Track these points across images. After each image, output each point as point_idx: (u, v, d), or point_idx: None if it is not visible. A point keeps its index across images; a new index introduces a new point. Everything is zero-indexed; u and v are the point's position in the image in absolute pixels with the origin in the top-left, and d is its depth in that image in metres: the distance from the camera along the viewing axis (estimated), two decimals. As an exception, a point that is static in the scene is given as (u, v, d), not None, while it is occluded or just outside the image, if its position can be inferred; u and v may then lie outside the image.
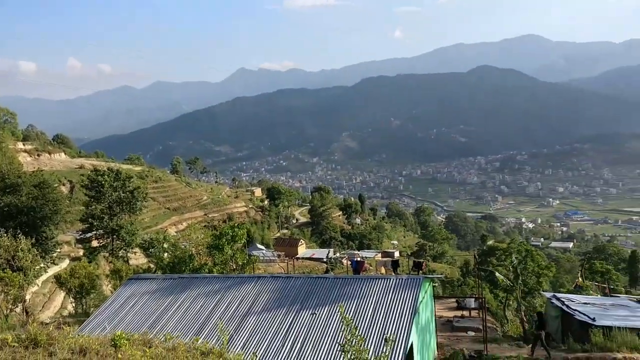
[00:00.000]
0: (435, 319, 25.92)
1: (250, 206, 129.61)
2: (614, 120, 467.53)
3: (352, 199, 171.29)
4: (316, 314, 18.98)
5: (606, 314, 26.86)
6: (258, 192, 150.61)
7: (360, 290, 20.21)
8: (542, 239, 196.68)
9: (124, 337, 8.44)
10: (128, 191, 62.33)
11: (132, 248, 61.18)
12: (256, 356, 12.28)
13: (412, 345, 18.62)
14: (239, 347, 17.31)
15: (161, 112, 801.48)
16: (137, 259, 63.05)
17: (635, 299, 32.87)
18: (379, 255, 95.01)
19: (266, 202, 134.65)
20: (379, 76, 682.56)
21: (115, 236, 59.67)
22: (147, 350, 8.44)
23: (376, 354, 14.96)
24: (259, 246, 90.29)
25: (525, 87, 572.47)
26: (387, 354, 10.32)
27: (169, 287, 22.42)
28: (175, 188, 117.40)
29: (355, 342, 9.76)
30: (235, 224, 35.09)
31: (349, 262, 54.49)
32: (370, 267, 72.64)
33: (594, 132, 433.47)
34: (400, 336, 17.34)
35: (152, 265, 44.23)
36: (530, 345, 24.39)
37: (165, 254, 38.11)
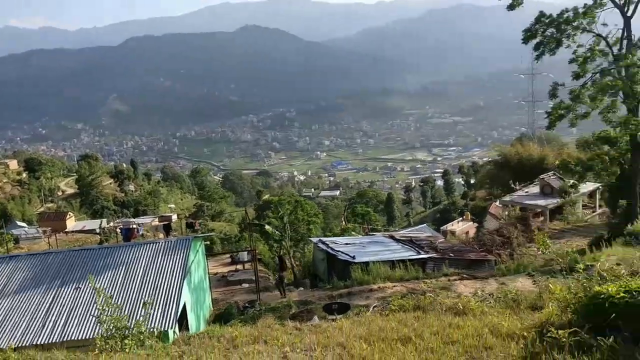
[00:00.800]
0: (210, 276, 26.26)
1: (5, 181, 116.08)
2: (370, 76, 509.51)
3: (124, 165, 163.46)
4: (81, 288, 17.97)
5: (364, 251, 29.68)
6: (14, 164, 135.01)
7: (129, 258, 19.61)
8: (312, 190, 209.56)
9: None
10: None
11: None
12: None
13: (185, 304, 18.65)
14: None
15: None
16: None
17: (387, 235, 36.91)
18: (156, 220, 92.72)
19: (24, 175, 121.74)
20: (146, 35, 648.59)
21: None
22: None
23: (147, 319, 14.65)
24: (20, 224, 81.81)
25: (291, 46, 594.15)
26: (147, 318, 10.14)
27: None
28: None
29: (112, 310, 9.42)
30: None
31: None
32: (148, 234, 70.63)
33: (353, 88, 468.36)
34: (171, 298, 17.25)
35: None
36: (278, 287, 26.00)
37: None
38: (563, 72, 32.23)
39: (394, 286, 23.33)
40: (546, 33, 30.13)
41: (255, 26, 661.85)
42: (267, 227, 32.11)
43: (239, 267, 33.85)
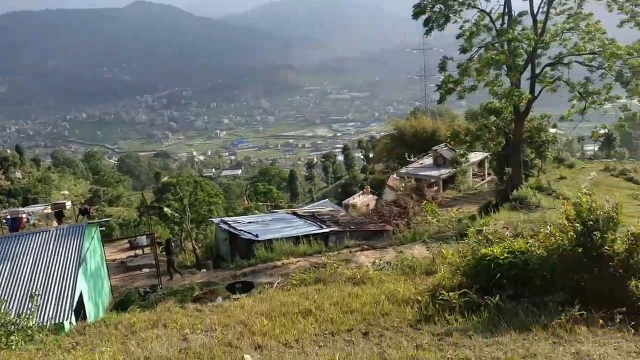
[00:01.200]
0: (107, 263, 25.32)
1: None
2: (267, 53, 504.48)
3: (8, 151, 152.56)
4: (-39, 285, 16.72)
5: (267, 228, 29.74)
6: None
7: (16, 249, 18.46)
8: (213, 170, 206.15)
9: None
10: None
11: None
12: None
13: (81, 293, 17.90)
14: None
15: None
16: None
17: (290, 212, 37.19)
18: (49, 208, 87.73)
19: None
20: (23, 11, 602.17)
21: None
22: None
23: (39, 312, 13.93)
24: None
25: (184, 23, 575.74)
26: (37, 311, 9.62)
27: None
28: None
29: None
30: None
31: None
32: (40, 223, 66.75)
33: (251, 65, 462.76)
34: (65, 288, 16.49)
35: None
36: (167, 270, 25.69)
37: None
38: (453, 47, 33.46)
39: (298, 261, 23.64)
40: (435, 9, 31.10)
41: (146, 2, 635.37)
42: (165, 209, 31.31)
43: (139, 252, 32.85)
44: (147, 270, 27.75)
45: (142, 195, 35.25)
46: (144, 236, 33.30)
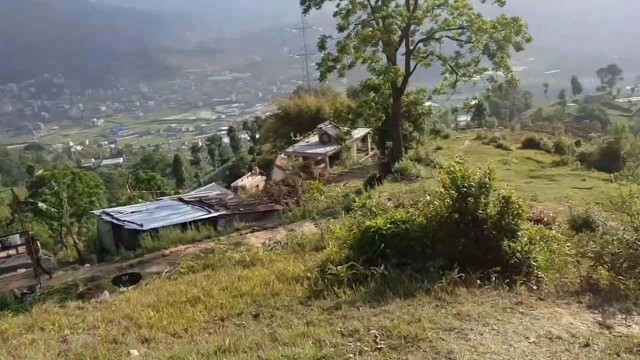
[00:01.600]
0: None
1: None
2: (143, 35, 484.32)
3: None
4: None
5: (152, 217, 28.80)
6: None
7: None
8: (93, 160, 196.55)
9: None
10: None
11: None
12: None
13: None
14: None
15: None
16: None
17: (176, 198, 36.21)
18: None
19: None
20: None
21: None
22: None
23: None
24: None
25: (54, 5, 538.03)
26: None
27: None
28: None
29: None
30: None
31: None
32: None
33: (129, 48, 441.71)
34: None
35: None
36: (42, 269, 24.38)
37: None
38: (331, 25, 33.73)
39: (187, 248, 23.10)
40: (311, -13, 31.17)
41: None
42: (40, 204, 29.28)
43: (12, 252, 30.44)
44: (24, 270, 25.85)
45: (12, 191, 32.73)
46: (17, 235, 30.99)
